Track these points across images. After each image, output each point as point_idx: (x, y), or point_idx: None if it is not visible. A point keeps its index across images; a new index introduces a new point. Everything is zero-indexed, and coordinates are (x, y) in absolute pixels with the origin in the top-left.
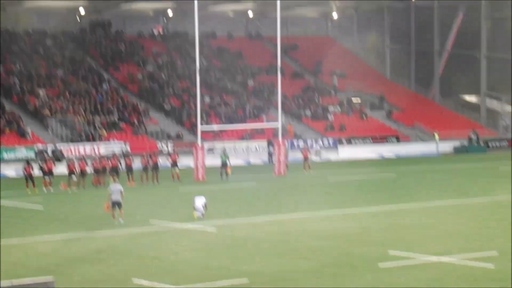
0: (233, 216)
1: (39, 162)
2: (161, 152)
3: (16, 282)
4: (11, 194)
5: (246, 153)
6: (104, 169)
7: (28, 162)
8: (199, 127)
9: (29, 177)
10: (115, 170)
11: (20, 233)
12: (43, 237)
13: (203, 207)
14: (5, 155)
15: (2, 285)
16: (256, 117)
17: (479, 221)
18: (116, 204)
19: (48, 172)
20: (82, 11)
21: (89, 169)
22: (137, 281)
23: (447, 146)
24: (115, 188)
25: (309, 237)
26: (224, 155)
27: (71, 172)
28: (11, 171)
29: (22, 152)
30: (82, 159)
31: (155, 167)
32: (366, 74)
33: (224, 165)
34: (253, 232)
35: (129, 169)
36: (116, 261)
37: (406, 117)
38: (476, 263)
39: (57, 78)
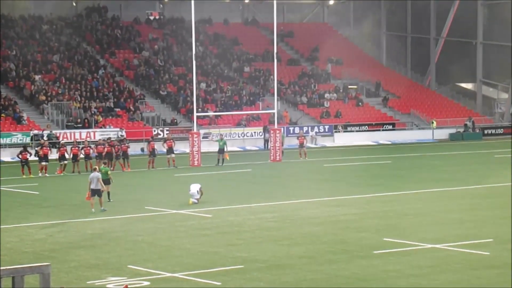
0: (228, 202)
1: (35, 147)
2: (156, 138)
3: (12, 268)
4: (7, 179)
5: (242, 139)
6: (100, 154)
7: (24, 147)
8: (195, 113)
9: (25, 163)
10: (109, 156)
11: (16, 219)
12: (39, 222)
13: (198, 193)
14: (1, 140)
15: None
16: (252, 104)
17: (474, 208)
18: (96, 193)
19: (43, 158)
20: None
21: (82, 154)
22: (132, 267)
23: (442, 133)
24: (94, 176)
25: (304, 223)
26: (221, 140)
27: (62, 156)
28: (7, 156)
29: (18, 137)
30: (75, 144)
31: (153, 153)
32: (362, 61)
33: (221, 150)
34: (248, 218)
35: (124, 155)
36: (111, 247)
37: (402, 104)
38: (471, 250)
39: (53, 64)
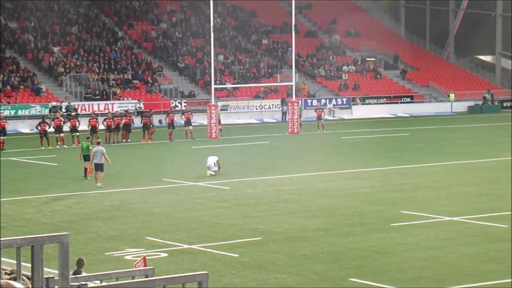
0: (246, 174)
1: (53, 119)
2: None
3: (31, 237)
4: (25, 151)
5: (259, 111)
6: (117, 126)
7: (43, 119)
8: (213, 86)
9: (43, 134)
10: (127, 128)
11: (34, 190)
12: (57, 194)
13: (215, 165)
14: (20, 112)
15: (17, 240)
16: (270, 76)
17: (492, 181)
18: (99, 167)
19: (57, 129)
20: None
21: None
22: (150, 238)
23: (461, 106)
24: (98, 150)
25: (321, 196)
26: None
27: (72, 128)
28: (26, 127)
29: (37, 109)
30: (93, 116)
31: (171, 125)
32: (381, 34)
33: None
34: (265, 190)
35: (145, 126)
36: (129, 218)
37: (420, 76)
38: (489, 223)
39: (71, 36)
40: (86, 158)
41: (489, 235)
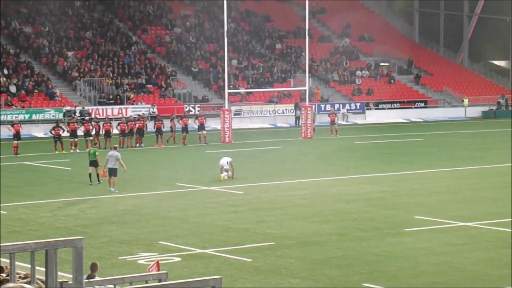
0: (259, 179)
1: (68, 123)
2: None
3: (45, 241)
4: (39, 155)
5: (273, 116)
6: (131, 131)
7: (57, 123)
8: (227, 90)
9: (57, 138)
10: (141, 132)
11: (48, 194)
12: (71, 198)
13: (227, 163)
14: (34, 116)
15: (31, 244)
16: (283, 81)
17: (506, 186)
18: (112, 172)
19: (72, 134)
20: None
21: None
22: (163, 243)
23: (475, 111)
24: (112, 155)
25: (334, 200)
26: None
27: (86, 132)
28: (40, 132)
29: (51, 113)
30: (107, 120)
31: (185, 129)
32: (395, 38)
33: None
34: (279, 195)
35: (158, 131)
36: (142, 223)
37: (434, 81)
38: (503, 228)
39: (85, 40)
40: (93, 163)
41: (503, 241)
